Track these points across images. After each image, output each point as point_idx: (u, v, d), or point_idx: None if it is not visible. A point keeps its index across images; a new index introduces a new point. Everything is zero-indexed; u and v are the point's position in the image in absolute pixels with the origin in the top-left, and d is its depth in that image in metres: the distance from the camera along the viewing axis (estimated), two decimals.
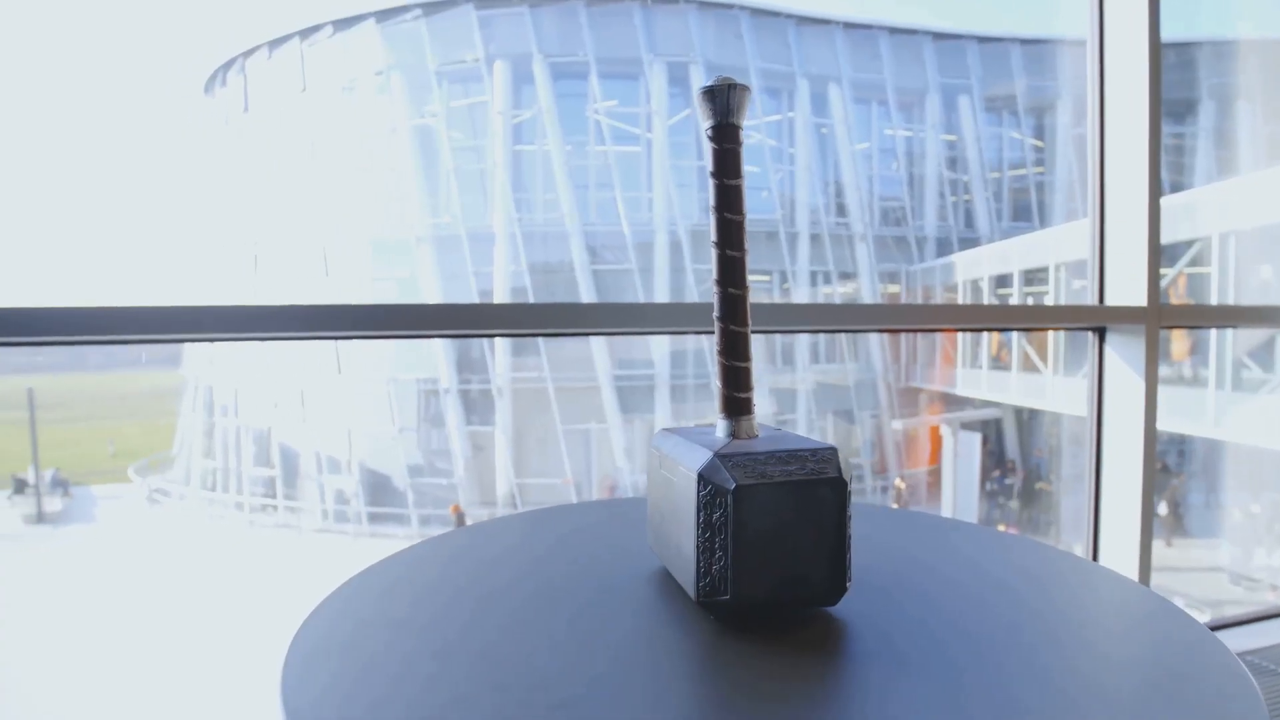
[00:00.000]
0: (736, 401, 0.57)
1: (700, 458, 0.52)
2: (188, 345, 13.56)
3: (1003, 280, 12.32)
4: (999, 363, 11.97)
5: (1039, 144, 14.87)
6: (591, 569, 0.62)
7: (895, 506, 11.93)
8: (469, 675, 0.44)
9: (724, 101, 0.55)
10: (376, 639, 0.49)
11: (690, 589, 0.52)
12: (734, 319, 0.58)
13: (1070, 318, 2.08)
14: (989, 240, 14.07)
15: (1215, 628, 2.08)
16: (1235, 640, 2.02)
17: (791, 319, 1.90)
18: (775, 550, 0.50)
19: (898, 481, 12.65)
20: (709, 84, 0.55)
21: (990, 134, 14.73)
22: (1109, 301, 1.95)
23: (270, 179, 13.47)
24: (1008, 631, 0.51)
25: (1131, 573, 1.89)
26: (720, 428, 0.57)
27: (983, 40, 14.52)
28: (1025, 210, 14.83)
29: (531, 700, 0.41)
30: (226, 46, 13.94)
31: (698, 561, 0.51)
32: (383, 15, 12.90)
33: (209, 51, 14.29)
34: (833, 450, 0.53)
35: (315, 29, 13.19)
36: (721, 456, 0.51)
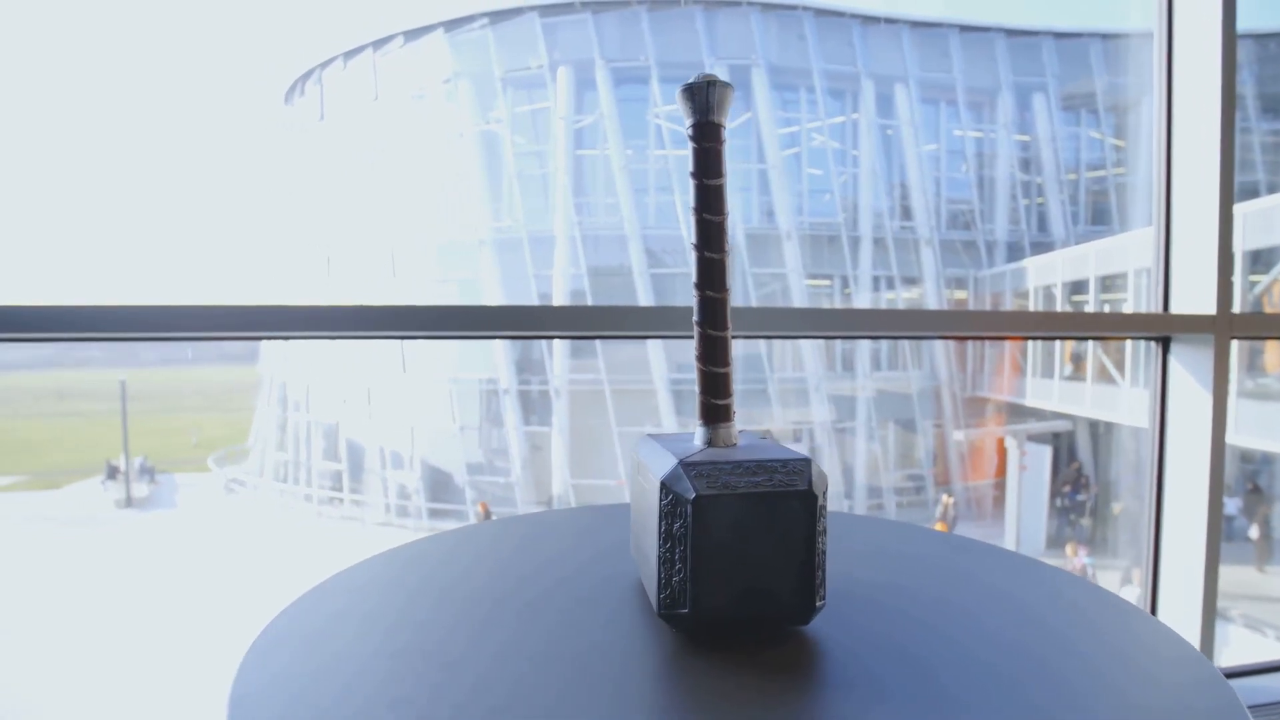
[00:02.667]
0: (715, 408, 0.56)
1: (665, 465, 0.50)
2: (265, 343, 14.24)
3: (1078, 287, 11.75)
4: (1074, 373, 11.42)
5: (1120, 143, 14.14)
6: (572, 576, 0.62)
7: (941, 524, 11.48)
8: (416, 676, 0.45)
9: (703, 99, 0.54)
10: (341, 636, 0.51)
11: (654, 601, 0.51)
12: (713, 324, 0.56)
13: (1132, 326, 1.97)
14: (1064, 245, 13.43)
15: (1242, 674, 1.92)
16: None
17: (848, 324, 1.86)
18: (738, 564, 0.48)
19: (945, 498, 12.15)
20: (689, 81, 0.54)
21: (1067, 134, 14.07)
22: (1174, 309, 1.84)
23: (343, 184, 14.02)
24: (997, 660, 0.48)
25: (1195, 597, 1.77)
26: (698, 435, 0.55)
27: (1060, 36, 13.90)
28: (1104, 213, 14.11)
29: (467, 703, 0.42)
30: (305, 58, 14.60)
31: (659, 573, 0.49)
32: (451, 25, 13.26)
33: (289, 64, 15.00)
34: (806, 462, 0.50)
35: (387, 40, 13.66)
36: (685, 465, 0.49)
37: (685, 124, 0.56)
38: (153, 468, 13.48)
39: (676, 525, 0.48)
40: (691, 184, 0.56)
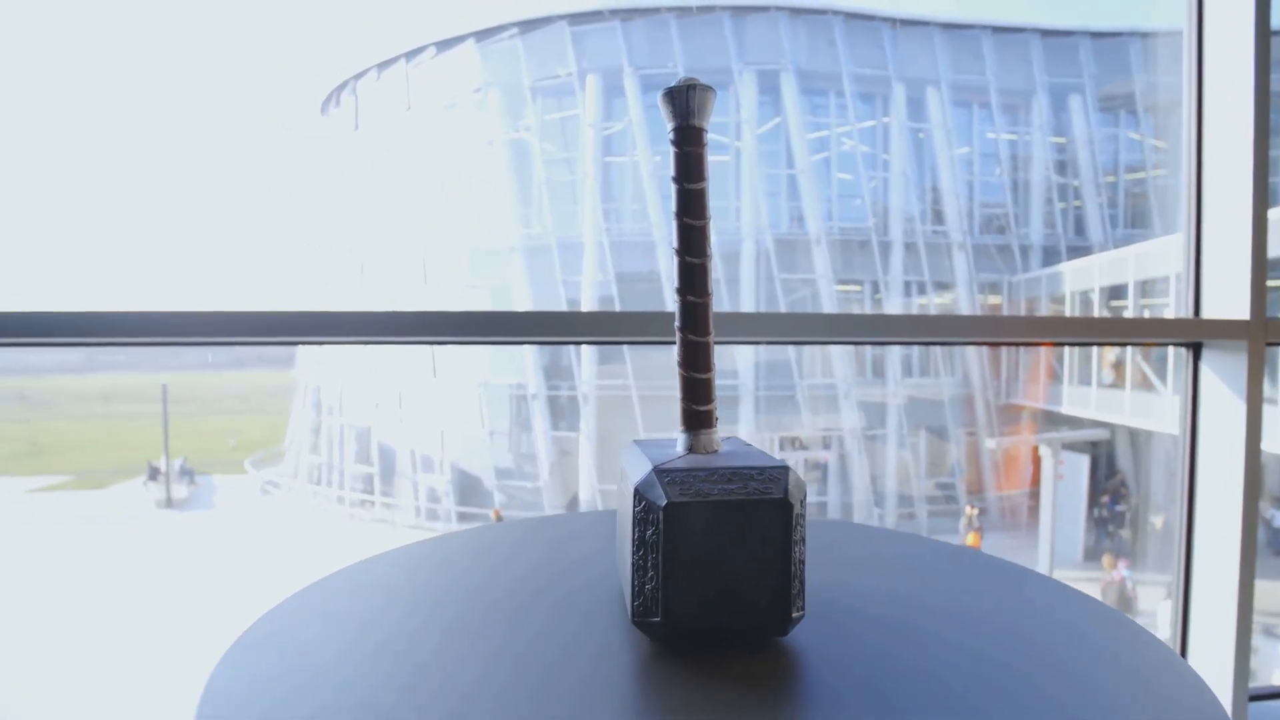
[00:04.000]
0: (696, 414, 0.56)
1: (641, 471, 0.50)
2: (300, 348, 14.54)
3: (1117, 292, 11.43)
4: (1114, 381, 11.10)
5: (1161, 144, 13.76)
6: (557, 581, 0.62)
7: (974, 536, 11.17)
8: (386, 678, 0.45)
9: (684, 103, 0.53)
10: (311, 635, 0.52)
11: (629, 608, 0.50)
12: (695, 329, 0.56)
13: (1161, 331, 1.91)
14: (1102, 249, 13.10)
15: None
16: None
17: (870, 330, 1.83)
18: (711, 573, 0.47)
19: (969, 509, 11.86)
20: (670, 85, 0.53)
21: (1105, 135, 13.75)
22: (1206, 314, 1.78)
23: (377, 192, 14.29)
24: (984, 676, 0.47)
25: (1229, 614, 1.71)
26: (679, 441, 0.55)
27: (1097, 36, 13.60)
28: (1144, 216, 13.74)
29: (429, 705, 0.42)
30: (340, 70, 14.93)
31: (632, 580, 0.49)
32: (481, 35, 13.44)
33: (325, 76, 15.35)
34: (783, 469, 0.50)
35: (419, 50, 13.90)
36: (659, 471, 0.49)
37: (666, 128, 0.55)
38: (192, 469, 13.84)
39: (649, 532, 0.48)
40: (673, 188, 0.56)
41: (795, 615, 0.49)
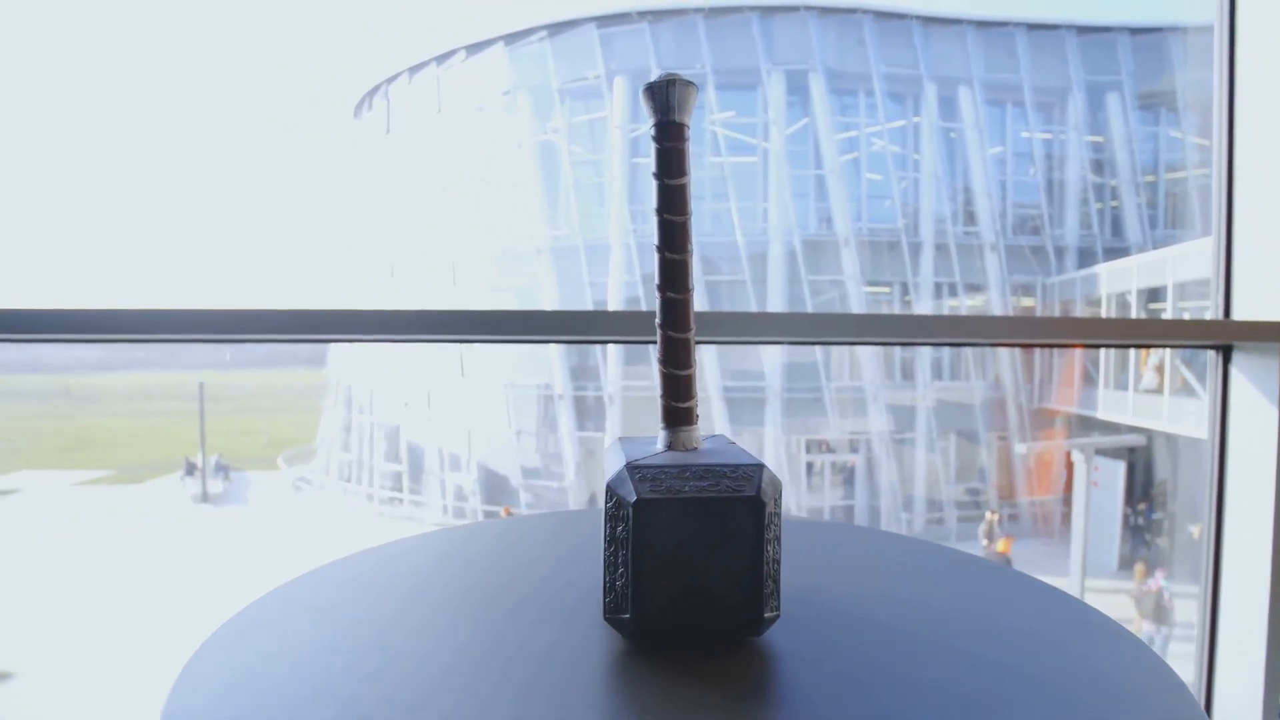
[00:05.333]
0: (676, 411, 0.55)
1: (614, 468, 0.50)
2: (332, 348, 14.81)
3: (1155, 294, 11.12)
4: (1156, 385, 10.80)
5: (1204, 142, 13.37)
6: (540, 577, 0.63)
7: (985, 543, 10.91)
8: (347, 669, 0.46)
9: (664, 98, 0.52)
10: (289, 624, 0.53)
11: (601, 604, 0.50)
12: (675, 325, 0.56)
13: (1189, 333, 1.86)
14: (1140, 250, 12.76)
15: None
16: None
17: (890, 331, 1.81)
18: (681, 571, 0.47)
19: (989, 514, 11.58)
20: (650, 81, 0.53)
21: (1144, 133, 13.39)
22: (1236, 316, 1.73)
23: (407, 194, 14.49)
24: (968, 684, 0.46)
25: (1259, 629, 1.66)
26: (659, 439, 0.55)
27: (1135, 32, 13.26)
28: (1185, 216, 13.35)
29: (393, 696, 0.43)
30: (372, 75, 15.18)
31: (604, 576, 0.49)
32: (511, 38, 13.56)
33: (358, 80, 15.63)
34: (758, 467, 0.49)
35: (449, 55, 14.06)
36: (631, 468, 0.49)
37: (648, 123, 0.55)
38: (227, 465, 14.18)
39: (620, 529, 0.48)
40: (654, 184, 0.56)
41: (768, 615, 0.49)
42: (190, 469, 13.51)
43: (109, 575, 10.01)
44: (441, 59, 14.16)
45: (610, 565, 0.49)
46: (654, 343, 0.58)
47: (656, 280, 0.57)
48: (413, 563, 0.65)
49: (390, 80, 14.91)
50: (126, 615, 8.55)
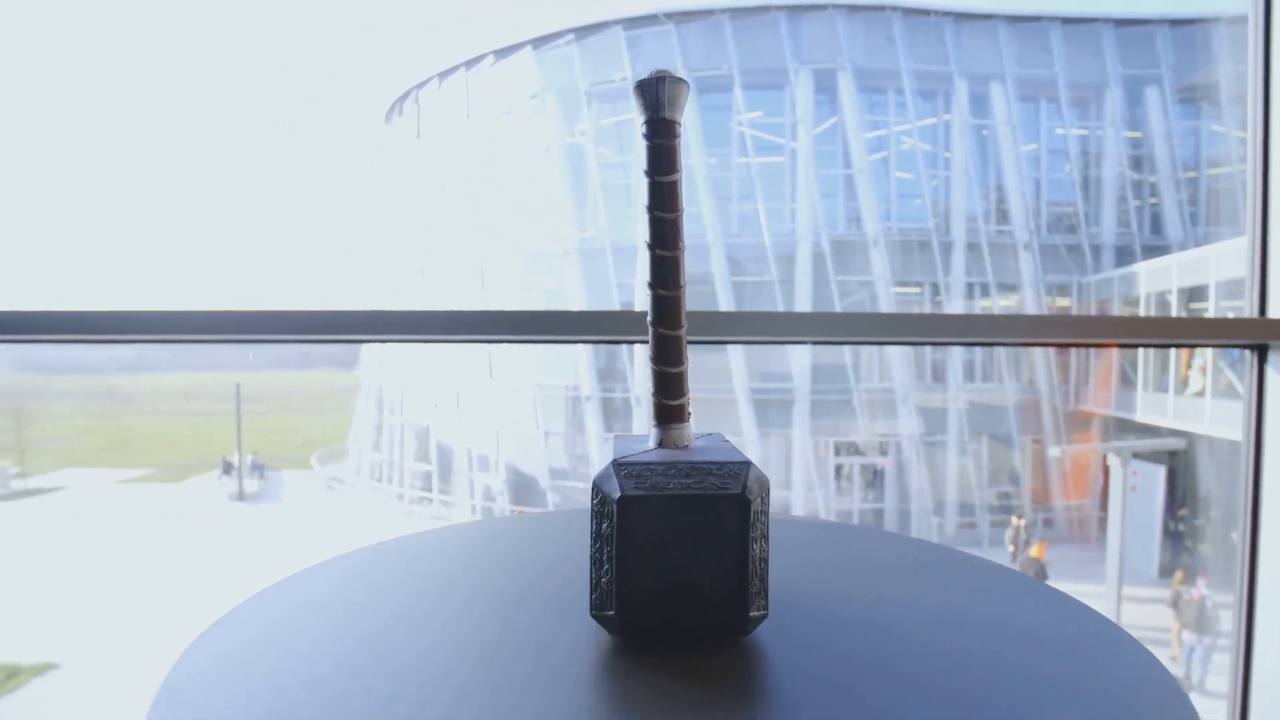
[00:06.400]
0: (667, 409, 0.55)
1: (603, 464, 0.50)
2: (364, 349, 15.05)
3: (1197, 293, 10.78)
4: (1200, 386, 10.46)
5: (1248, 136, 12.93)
6: (536, 574, 0.63)
7: (1010, 549, 10.61)
8: (339, 663, 0.47)
9: (654, 95, 0.53)
10: (284, 618, 0.54)
11: (589, 601, 0.50)
12: (666, 322, 0.56)
13: (1223, 332, 1.80)
14: (1181, 248, 12.38)
15: None
16: None
17: (913, 330, 1.78)
18: (666, 568, 0.47)
19: (1015, 519, 11.28)
20: (641, 78, 0.53)
21: (1185, 128, 13.00)
22: (1273, 314, 1.67)
23: (437, 198, 14.67)
24: (958, 683, 0.45)
25: None
26: (650, 436, 0.55)
27: (1176, 23, 12.89)
28: (1229, 213, 12.93)
29: (370, 688, 0.44)
30: (403, 80, 15.41)
31: (590, 573, 0.49)
32: (538, 42, 13.66)
33: (389, 86, 15.89)
34: (744, 465, 0.49)
35: (478, 59, 14.21)
36: (617, 465, 0.49)
37: (639, 120, 0.55)
38: (263, 464, 14.48)
39: (605, 525, 0.48)
40: (645, 181, 0.56)
41: (755, 614, 0.48)
42: (227, 468, 13.83)
43: (149, 571, 10.29)
44: (470, 64, 14.32)
45: (596, 562, 0.49)
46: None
47: (647, 278, 0.57)
48: (413, 559, 0.66)
49: (420, 86, 15.12)
50: (165, 609, 8.78)
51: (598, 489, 0.49)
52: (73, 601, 9.42)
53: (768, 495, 0.50)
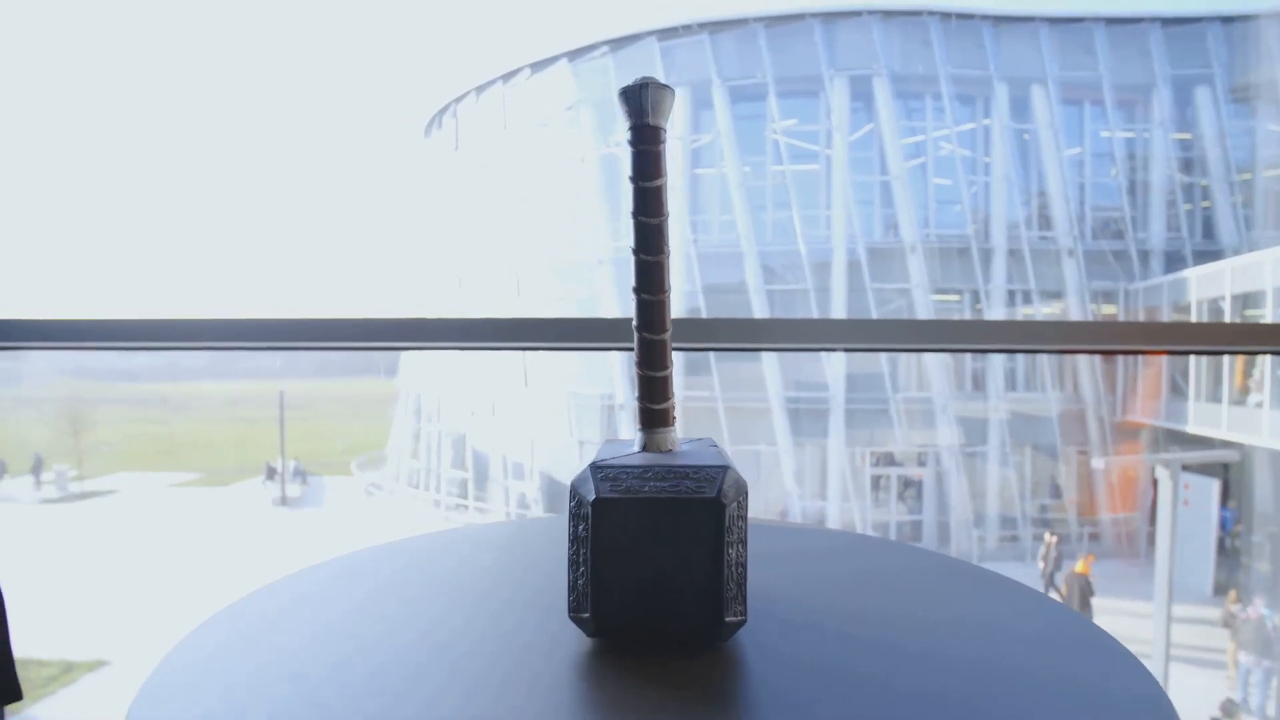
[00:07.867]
0: (652, 413, 0.56)
1: (583, 467, 0.51)
2: (403, 357, 15.33)
3: (1252, 299, 10.34)
4: (1258, 397, 10.01)
5: None
6: (520, 577, 0.64)
7: (1041, 565, 10.22)
8: (316, 660, 0.48)
9: (638, 102, 0.53)
10: (275, 614, 0.56)
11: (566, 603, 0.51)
12: (651, 327, 0.56)
13: (1267, 338, 1.73)
14: (1234, 253, 11.90)
15: None
16: None
17: (940, 337, 1.76)
18: (640, 571, 0.47)
19: (1048, 536, 10.85)
20: (626, 85, 0.53)
21: (1239, 129, 12.51)
22: None
23: (474, 208, 14.91)
24: (935, 685, 0.45)
25: None
26: (636, 440, 0.55)
27: (1227, 21, 12.44)
28: None
29: (350, 683, 0.45)
30: (441, 94, 15.73)
31: (568, 575, 0.49)
32: (574, 54, 13.81)
33: (428, 100, 16.23)
34: (722, 469, 0.49)
35: (514, 73, 14.43)
36: (595, 467, 0.49)
37: (624, 127, 0.56)
38: (305, 470, 14.81)
39: (581, 528, 0.48)
40: (630, 187, 0.55)
41: (732, 619, 0.48)
42: (271, 473, 14.18)
43: (197, 572, 10.60)
44: (507, 77, 14.54)
45: (573, 564, 0.49)
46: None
47: (632, 282, 0.57)
48: (410, 559, 0.68)
49: (458, 99, 15.40)
50: (210, 609, 9.03)
51: (574, 491, 0.49)
52: (124, 600, 9.75)
53: (745, 500, 0.50)
